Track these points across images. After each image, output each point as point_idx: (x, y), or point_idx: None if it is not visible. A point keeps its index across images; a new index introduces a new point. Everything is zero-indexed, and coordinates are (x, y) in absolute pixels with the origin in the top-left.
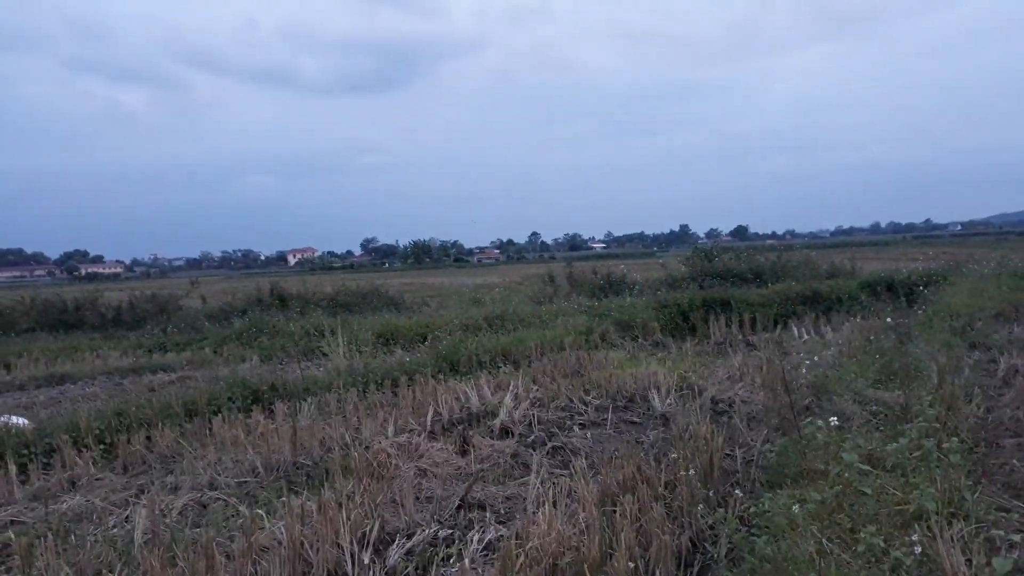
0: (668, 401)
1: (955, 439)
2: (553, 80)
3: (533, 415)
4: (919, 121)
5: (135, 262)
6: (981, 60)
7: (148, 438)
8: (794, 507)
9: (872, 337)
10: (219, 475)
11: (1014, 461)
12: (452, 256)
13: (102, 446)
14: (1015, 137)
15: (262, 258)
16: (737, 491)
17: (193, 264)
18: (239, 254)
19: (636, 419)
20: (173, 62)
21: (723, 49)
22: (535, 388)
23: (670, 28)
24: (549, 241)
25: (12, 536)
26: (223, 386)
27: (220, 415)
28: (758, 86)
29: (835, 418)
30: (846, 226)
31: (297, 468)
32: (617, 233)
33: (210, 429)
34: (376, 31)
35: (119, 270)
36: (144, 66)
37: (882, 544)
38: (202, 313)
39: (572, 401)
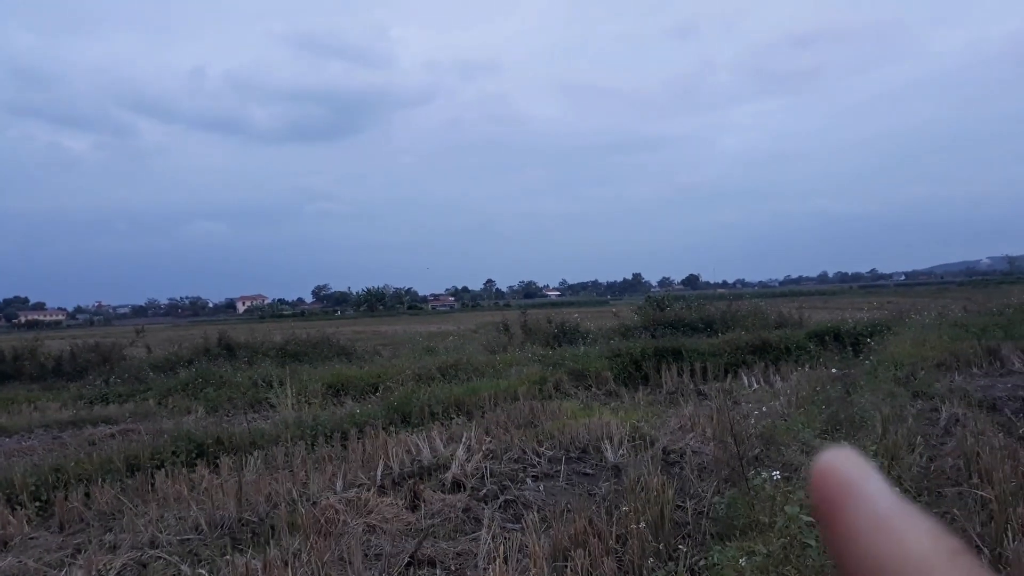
0: (621, 452)
1: (898, 489)
2: (503, 131)
3: (486, 467)
4: (860, 174)
5: (78, 309)
6: (917, 117)
7: (87, 494)
8: (741, 560)
9: (819, 387)
10: (161, 533)
11: (955, 511)
12: (406, 303)
13: (38, 503)
14: (950, 191)
15: (210, 305)
16: (681, 547)
17: (139, 312)
18: (187, 301)
19: (589, 470)
20: (120, 108)
21: (668, 104)
22: (488, 439)
23: (615, 84)
24: (504, 288)
25: None
26: (167, 439)
27: (163, 470)
28: (705, 139)
29: (776, 472)
30: (795, 275)
31: (242, 525)
32: (572, 281)
33: (152, 484)
34: (325, 81)
35: (61, 318)
36: (90, 112)
37: None
38: (147, 363)
39: (525, 452)
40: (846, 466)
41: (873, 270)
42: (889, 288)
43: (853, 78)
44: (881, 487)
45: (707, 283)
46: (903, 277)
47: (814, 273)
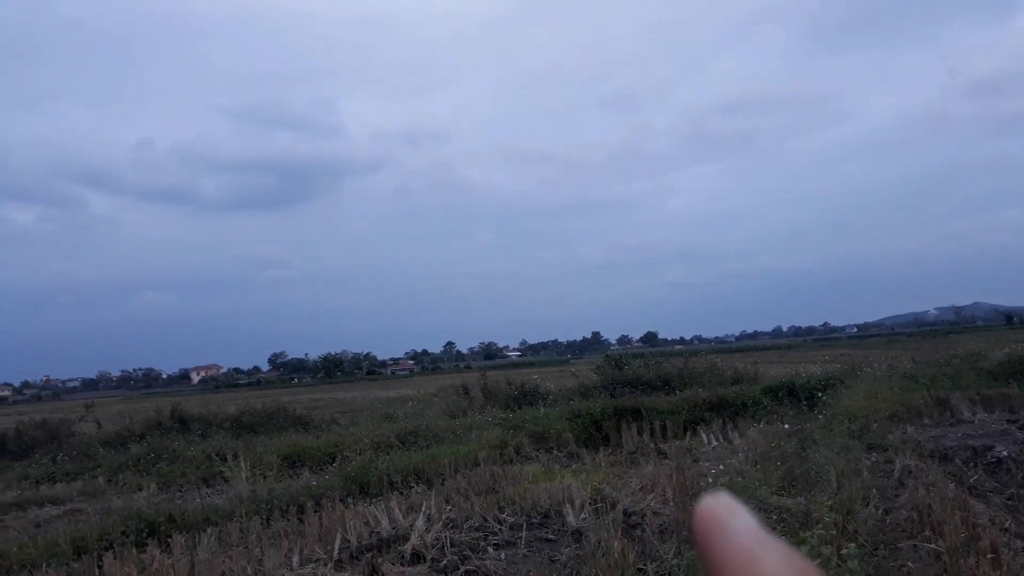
0: (582, 515)
1: (853, 544)
2: (452, 197)
3: (446, 537)
4: (800, 232)
5: (25, 384)
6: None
7: None
8: None
9: (775, 443)
10: None
11: (910, 564)
12: (365, 368)
13: None
14: (887, 246)
15: (164, 376)
16: None
17: (90, 385)
18: (139, 373)
19: (551, 536)
20: (66, 181)
21: (611, 169)
22: (448, 508)
23: (559, 151)
24: (464, 350)
25: None
26: (116, 519)
27: (112, 551)
28: (651, 201)
29: None
30: (750, 330)
31: None
32: (532, 340)
33: (100, 567)
34: (273, 151)
35: (7, 393)
36: (36, 184)
37: None
38: (96, 439)
39: (486, 520)
40: (719, 507)
41: (826, 323)
42: (842, 341)
43: (786, 141)
44: (747, 523)
45: (665, 339)
46: (855, 329)
47: (769, 328)
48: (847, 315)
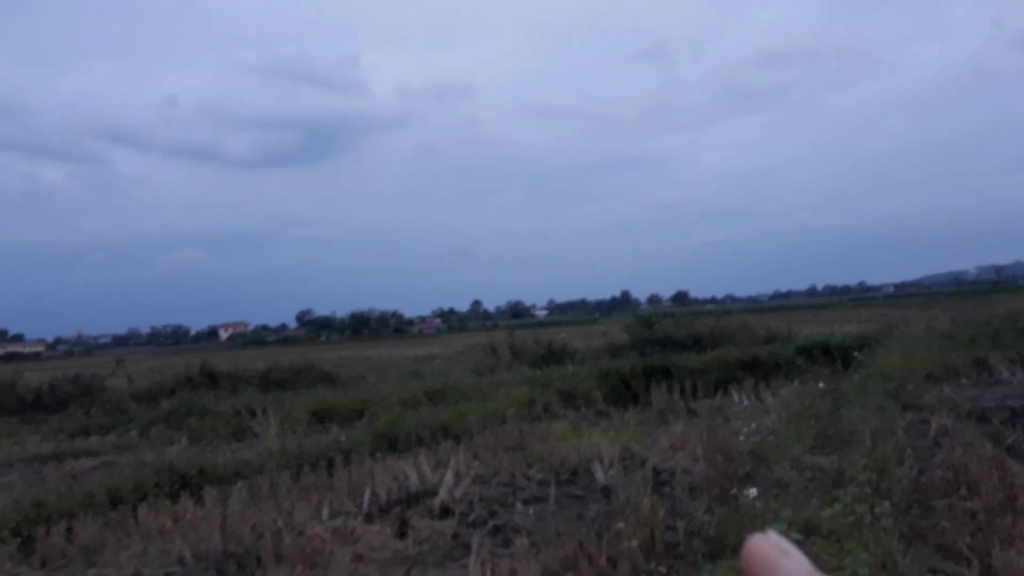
0: (611, 473)
1: (887, 503)
2: (479, 154)
3: (474, 493)
4: (839, 189)
5: (58, 340)
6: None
7: (69, 529)
8: None
9: (809, 402)
10: (145, 567)
11: (944, 522)
12: (392, 327)
13: (18, 539)
14: (929, 203)
15: (192, 334)
16: (673, 565)
17: (120, 341)
18: (168, 330)
19: (579, 492)
20: (94, 138)
21: (643, 124)
22: (476, 464)
23: (589, 106)
24: (491, 309)
25: None
26: (149, 471)
27: (146, 503)
28: (685, 157)
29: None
30: (784, 289)
31: (227, 556)
32: (560, 299)
33: (135, 518)
34: (298, 107)
35: (40, 349)
36: (64, 143)
37: None
38: (128, 394)
39: (514, 476)
40: (769, 547)
41: (862, 282)
42: (878, 300)
43: (826, 95)
44: (800, 564)
45: (696, 299)
46: (892, 289)
47: (803, 287)
48: (884, 274)
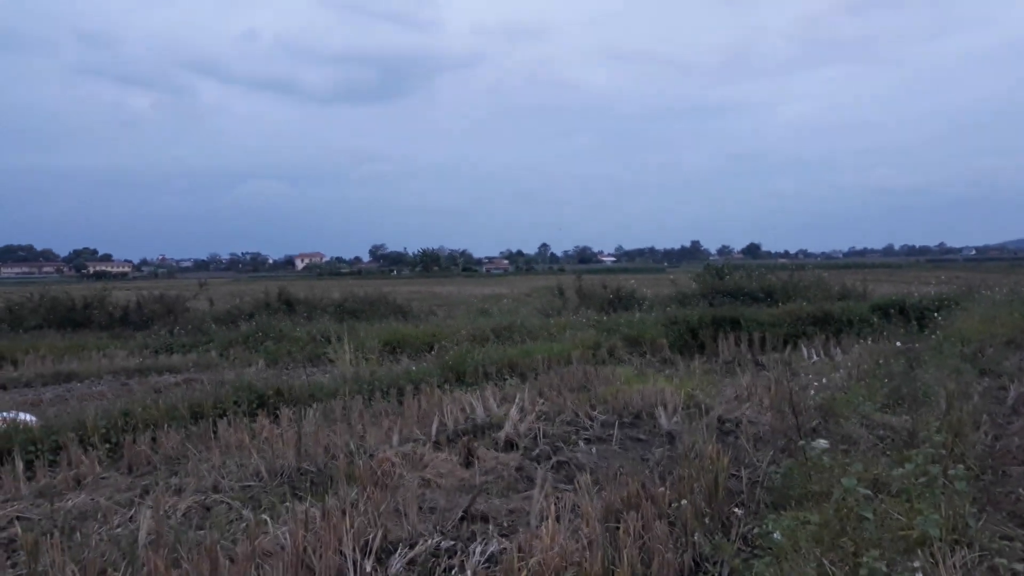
0: (674, 419)
1: (961, 466)
2: (552, 96)
3: (538, 429)
4: (924, 145)
5: (143, 262)
6: (982, 87)
7: (153, 439)
8: (796, 529)
9: (882, 361)
10: (223, 478)
11: (1020, 490)
12: (461, 265)
13: (108, 445)
14: (1019, 162)
15: (270, 262)
16: (739, 511)
17: (201, 266)
18: (247, 257)
19: (642, 436)
20: (178, 68)
21: (721, 72)
22: (541, 401)
23: (665, 51)
24: (559, 253)
25: (19, 532)
26: (229, 389)
27: (225, 419)
28: (762, 107)
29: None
30: (859, 247)
31: (301, 474)
32: (628, 247)
33: (215, 432)
34: (374, 44)
35: (127, 269)
36: (149, 71)
37: (884, 569)
38: (209, 315)
39: (578, 416)
40: None
41: (942, 244)
42: (958, 263)
43: (913, 47)
44: None
45: (768, 252)
46: (973, 252)
47: (879, 245)
48: (965, 236)
